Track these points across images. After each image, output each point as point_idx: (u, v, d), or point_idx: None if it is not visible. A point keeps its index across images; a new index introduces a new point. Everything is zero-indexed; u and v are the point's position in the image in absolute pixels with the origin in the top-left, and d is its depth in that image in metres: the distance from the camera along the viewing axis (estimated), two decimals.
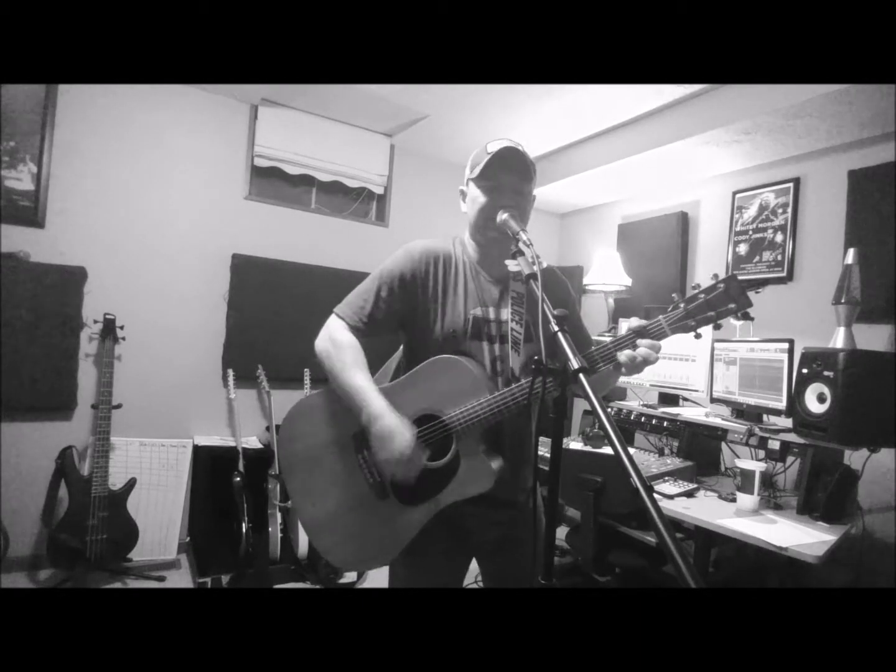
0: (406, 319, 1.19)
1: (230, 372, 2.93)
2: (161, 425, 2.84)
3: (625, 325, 3.06)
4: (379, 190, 3.51)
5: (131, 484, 2.54)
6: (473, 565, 1.28)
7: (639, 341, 0.99)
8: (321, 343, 1.18)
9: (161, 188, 2.87)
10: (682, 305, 0.98)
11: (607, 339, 1.23)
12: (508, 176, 1.12)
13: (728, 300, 0.95)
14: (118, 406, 2.57)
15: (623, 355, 0.97)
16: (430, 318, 1.16)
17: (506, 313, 1.16)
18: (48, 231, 2.59)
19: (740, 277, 0.97)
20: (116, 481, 2.52)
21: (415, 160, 3.65)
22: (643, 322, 1.01)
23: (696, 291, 0.98)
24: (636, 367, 0.99)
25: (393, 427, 1.06)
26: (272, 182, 3.21)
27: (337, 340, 1.15)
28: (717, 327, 1.00)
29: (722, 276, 0.97)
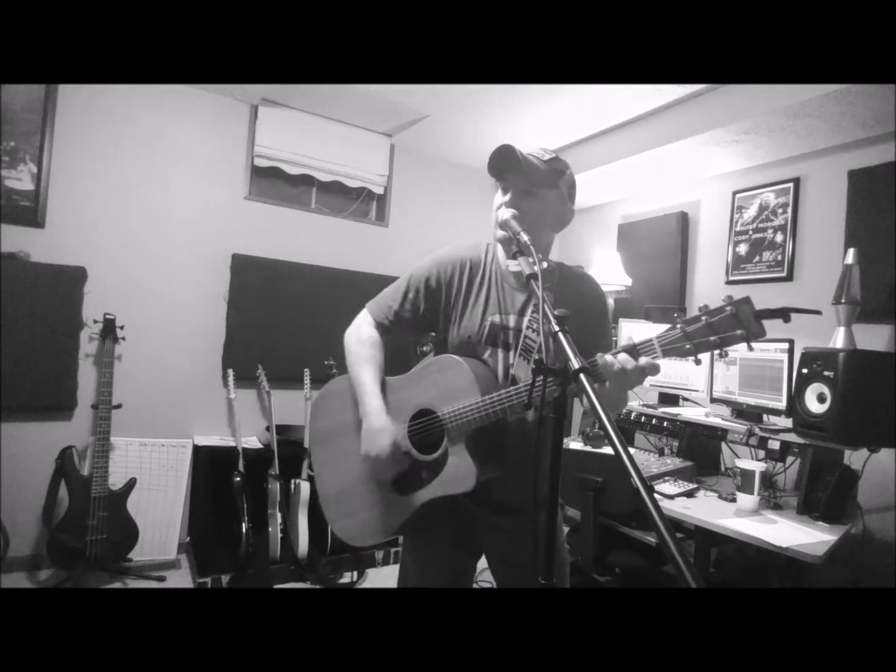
0: (431, 322, 1.24)
1: (230, 372, 2.93)
2: (161, 425, 2.84)
3: (624, 325, 3.07)
4: (379, 190, 3.51)
5: (131, 484, 2.54)
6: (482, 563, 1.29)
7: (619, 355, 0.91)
8: (348, 334, 1.28)
9: (161, 188, 2.87)
10: (679, 326, 0.87)
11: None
12: (516, 176, 1.11)
13: (736, 325, 0.82)
14: (118, 406, 2.57)
15: (600, 358, 0.91)
16: (450, 322, 1.20)
17: (526, 322, 1.15)
18: (48, 231, 2.59)
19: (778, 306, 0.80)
20: (116, 481, 2.52)
21: (415, 160, 3.65)
22: (633, 342, 0.92)
23: (700, 313, 0.86)
24: (616, 376, 0.90)
25: (377, 428, 1.13)
26: (272, 182, 3.21)
27: (360, 335, 1.25)
28: (724, 355, 0.86)
29: (736, 295, 0.84)
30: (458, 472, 1.09)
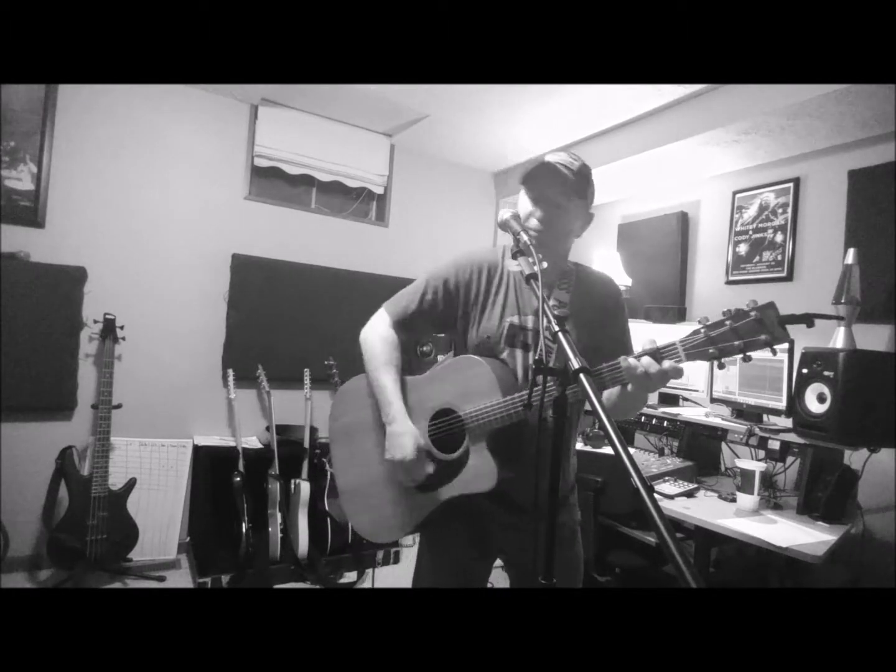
0: (447, 322, 1.26)
1: (230, 372, 2.93)
2: (161, 425, 2.85)
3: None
4: (379, 190, 3.51)
5: (131, 484, 2.54)
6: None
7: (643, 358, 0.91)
8: (364, 332, 1.28)
9: (161, 188, 2.87)
10: (703, 330, 0.87)
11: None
12: (551, 190, 1.12)
13: (761, 330, 0.82)
14: (118, 406, 2.57)
15: (623, 362, 0.92)
16: (469, 324, 1.21)
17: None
18: (48, 231, 2.59)
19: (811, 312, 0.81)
20: (116, 481, 2.52)
21: (415, 160, 3.65)
22: (657, 345, 0.92)
23: (724, 317, 0.86)
24: (639, 379, 0.91)
25: (400, 432, 1.15)
26: (272, 182, 3.21)
27: (379, 334, 1.26)
28: (747, 359, 0.85)
29: (737, 297, 0.83)
30: (480, 472, 1.10)
